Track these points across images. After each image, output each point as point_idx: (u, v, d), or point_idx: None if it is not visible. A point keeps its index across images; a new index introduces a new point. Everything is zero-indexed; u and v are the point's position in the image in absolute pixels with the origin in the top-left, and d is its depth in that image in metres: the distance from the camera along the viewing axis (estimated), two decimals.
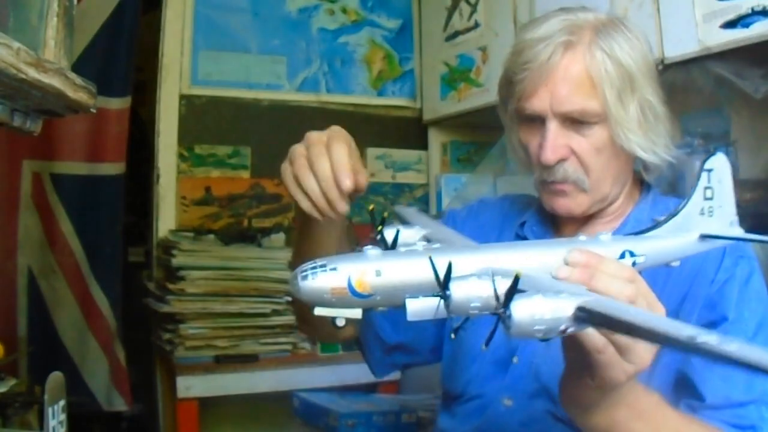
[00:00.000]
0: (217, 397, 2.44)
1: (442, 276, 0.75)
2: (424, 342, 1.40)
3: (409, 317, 0.76)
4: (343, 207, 1.05)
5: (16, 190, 2.56)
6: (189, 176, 2.81)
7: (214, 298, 2.43)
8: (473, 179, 2.70)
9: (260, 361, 2.45)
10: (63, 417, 1.19)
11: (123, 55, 2.67)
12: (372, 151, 3.03)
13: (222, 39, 2.87)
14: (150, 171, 2.83)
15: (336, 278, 0.75)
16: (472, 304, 0.73)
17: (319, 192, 1.06)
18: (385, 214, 0.98)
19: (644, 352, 0.82)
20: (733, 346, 0.59)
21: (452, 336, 0.77)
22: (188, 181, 2.80)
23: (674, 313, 1.17)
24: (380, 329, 1.38)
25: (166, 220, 2.75)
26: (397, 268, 0.77)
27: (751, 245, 1.17)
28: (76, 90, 1.08)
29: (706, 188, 0.98)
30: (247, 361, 2.43)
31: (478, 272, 0.77)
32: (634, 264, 0.90)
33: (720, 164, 0.98)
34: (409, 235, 0.95)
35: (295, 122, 2.96)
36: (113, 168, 2.69)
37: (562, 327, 0.70)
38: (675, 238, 0.96)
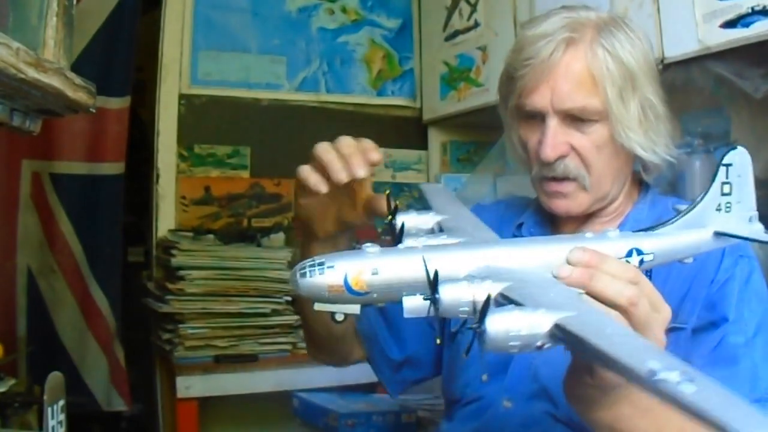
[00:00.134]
0: (216, 397, 2.44)
1: (440, 275, 0.75)
2: (428, 354, 1.39)
3: (405, 314, 0.77)
4: (364, 171, 1.04)
5: (15, 189, 2.56)
6: (188, 176, 2.81)
7: (214, 298, 2.42)
8: (473, 179, 2.70)
9: (260, 361, 2.44)
10: (62, 417, 1.19)
11: (122, 54, 2.67)
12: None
13: (222, 39, 2.87)
14: (149, 171, 2.82)
15: (333, 276, 0.77)
16: (461, 308, 0.73)
17: (336, 157, 1.05)
18: (397, 203, 0.99)
19: None
20: (690, 390, 0.56)
21: (437, 341, 0.76)
22: (188, 181, 2.80)
23: (674, 313, 1.16)
24: (386, 347, 1.38)
25: (166, 219, 2.75)
26: (394, 266, 0.78)
27: (751, 244, 1.16)
28: (75, 90, 1.08)
29: (724, 183, 0.95)
30: (247, 361, 2.43)
31: (473, 273, 0.77)
32: (642, 262, 0.88)
33: (740, 159, 0.95)
34: (423, 221, 0.96)
35: (295, 122, 2.96)
36: (113, 168, 2.69)
37: (538, 343, 0.69)
38: (687, 235, 0.94)
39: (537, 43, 1.18)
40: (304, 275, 0.78)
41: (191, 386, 2.34)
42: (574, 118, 1.18)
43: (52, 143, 2.59)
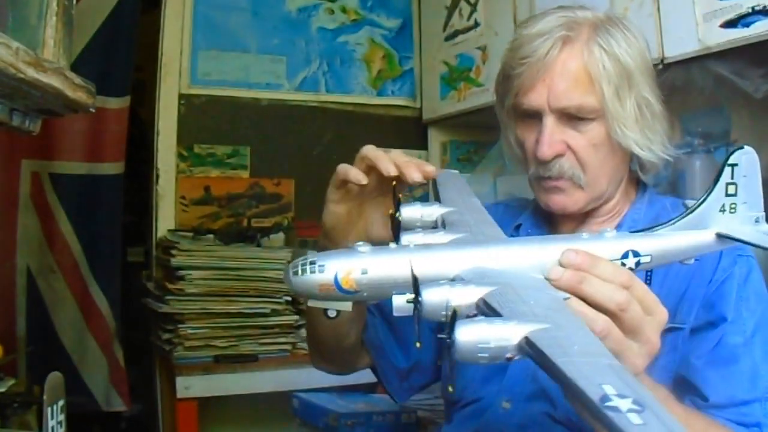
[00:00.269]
0: (216, 397, 2.43)
1: (429, 275, 0.76)
2: (432, 358, 1.38)
3: (395, 312, 0.78)
4: (419, 176, 1.03)
5: (15, 189, 2.56)
6: (188, 176, 2.81)
7: (214, 298, 2.42)
8: (473, 179, 2.70)
9: (260, 361, 2.44)
10: (62, 417, 1.19)
11: (122, 54, 2.67)
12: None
13: (221, 38, 2.87)
14: (149, 171, 2.82)
15: (324, 276, 0.79)
16: (442, 312, 0.74)
17: (386, 156, 1.04)
18: (400, 196, 1.00)
19: (635, 357, 0.81)
20: (635, 421, 0.56)
21: (417, 345, 0.76)
22: (187, 181, 2.80)
23: (672, 313, 1.16)
24: (393, 357, 1.38)
25: (166, 219, 2.75)
26: (383, 266, 0.79)
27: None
28: (75, 89, 1.08)
29: (729, 184, 0.94)
30: (247, 361, 2.42)
31: (462, 275, 0.78)
32: (638, 264, 0.87)
33: (747, 159, 0.94)
34: (427, 213, 0.97)
35: (295, 122, 2.96)
36: (112, 168, 2.69)
37: (508, 354, 0.69)
38: (688, 236, 0.93)
39: (533, 41, 1.18)
40: (296, 273, 0.80)
41: (191, 386, 2.34)
42: (571, 117, 1.18)
43: (51, 143, 2.59)
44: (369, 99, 3.09)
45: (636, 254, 0.87)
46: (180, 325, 2.38)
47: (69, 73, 1.07)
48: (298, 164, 2.95)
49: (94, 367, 2.61)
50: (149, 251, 2.81)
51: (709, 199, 0.94)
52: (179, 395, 2.34)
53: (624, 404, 0.58)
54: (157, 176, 2.76)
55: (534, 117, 1.21)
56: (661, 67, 1.79)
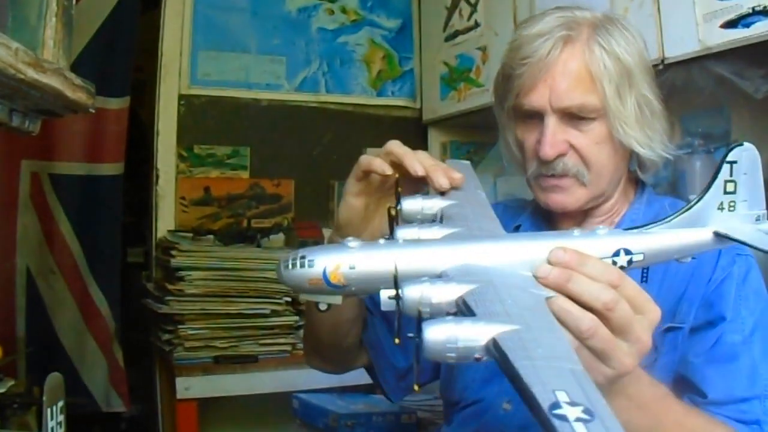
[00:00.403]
0: (216, 398, 2.43)
1: (416, 272, 0.77)
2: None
3: (382, 307, 0.78)
4: (445, 182, 1.02)
5: (14, 190, 2.56)
6: (188, 176, 2.81)
7: (214, 299, 2.42)
8: None
9: (259, 362, 2.44)
10: (62, 418, 1.19)
11: (122, 54, 2.67)
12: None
13: (221, 39, 2.87)
14: (149, 171, 2.82)
15: (313, 271, 0.80)
16: (423, 309, 0.74)
17: (413, 155, 1.04)
18: (399, 189, 1.00)
19: (624, 357, 0.80)
20: (579, 430, 0.56)
21: (396, 341, 0.76)
22: (187, 182, 2.80)
23: (671, 312, 1.17)
24: (392, 356, 1.37)
25: (165, 220, 2.75)
26: (370, 262, 0.80)
27: None
28: (74, 90, 1.07)
29: (727, 181, 0.92)
30: (247, 361, 2.42)
31: (448, 271, 0.78)
32: (630, 262, 0.86)
33: (746, 156, 0.92)
34: (428, 206, 0.97)
35: (295, 122, 2.96)
36: (112, 168, 2.69)
37: (476, 355, 0.69)
38: (684, 234, 0.91)
39: (534, 41, 1.18)
40: (287, 268, 0.82)
41: (191, 387, 2.34)
42: (572, 116, 1.18)
43: (51, 143, 2.59)
44: (369, 99, 3.09)
45: (628, 252, 0.86)
46: (180, 326, 2.38)
47: (69, 73, 1.06)
48: (298, 165, 2.95)
49: (93, 368, 2.61)
50: (149, 252, 2.81)
51: (706, 196, 0.92)
52: (179, 396, 2.33)
53: (573, 413, 0.58)
54: (157, 177, 2.76)
55: (534, 117, 1.21)
56: (661, 67, 1.79)
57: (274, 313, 2.47)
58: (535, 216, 1.35)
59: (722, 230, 0.92)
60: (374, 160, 1.06)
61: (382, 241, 0.84)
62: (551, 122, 1.18)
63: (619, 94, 1.17)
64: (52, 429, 1.16)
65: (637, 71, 1.19)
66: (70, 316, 2.60)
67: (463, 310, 0.73)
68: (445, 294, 0.75)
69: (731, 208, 0.92)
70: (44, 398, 1.15)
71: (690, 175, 1.90)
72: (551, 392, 0.60)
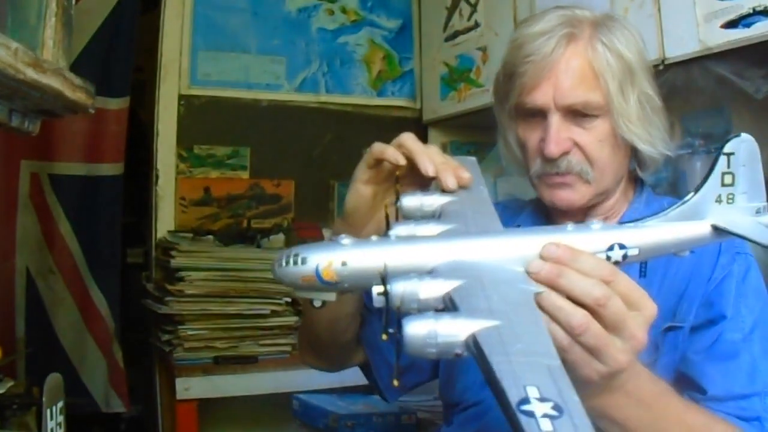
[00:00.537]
0: (216, 399, 2.43)
1: (408, 267, 0.78)
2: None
3: (375, 303, 0.78)
4: (453, 182, 1.00)
5: (14, 190, 2.56)
6: (188, 177, 2.80)
7: (213, 300, 2.42)
8: None
9: (259, 363, 2.44)
10: (61, 418, 1.19)
11: (122, 55, 2.67)
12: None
13: (221, 39, 2.87)
14: (149, 171, 2.82)
15: (306, 268, 0.81)
16: (411, 305, 0.75)
17: (426, 152, 1.02)
18: (398, 187, 1.01)
19: (618, 353, 0.80)
20: (545, 428, 0.56)
21: (383, 337, 0.76)
22: (187, 182, 2.80)
23: (671, 312, 1.17)
24: (388, 355, 1.37)
25: (165, 220, 2.75)
26: (362, 259, 0.81)
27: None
28: (74, 90, 1.07)
29: (725, 174, 0.90)
30: (247, 362, 2.42)
31: (438, 267, 0.79)
32: (625, 257, 0.85)
33: (744, 147, 0.89)
34: (428, 202, 0.97)
35: (295, 123, 2.96)
36: (112, 168, 2.69)
37: (457, 350, 0.69)
38: (680, 228, 0.89)
39: (537, 39, 1.18)
40: (281, 265, 0.82)
41: (190, 387, 2.33)
42: (576, 114, 1.18)
43: (50, 144, 2.59)
44: (369, 100, 3.09)
45: (622, 247, 0.84)
46: (179, 327, 2.38)
47: (68, 73, 1.06)
48: (298, 165, 2.94)
49: (93, 369, 2.61)
50: (149, 252, 2.80)
51: (703, 189, 0.90)
52: (179, 396, 2.33)
53: (541, 408, 0.58)
54: (157, 177, 2.75)
55: (537, 116, 1.21)
56: (661, 67, 1.79)
57: (274, 314, 2.47)
58: (535, 216, 1.35)
59: (720, 223, 0.89)
60: (388, 149, 1.05)
61: (374, 238, 0.84)
62: (555, 120, 1.18)
63: (622, 91, 1.17)
64: (52, 429, 1.16)
65: (638, 68, 1.20)
66: (70, 316, 2.60)
67: (449, 306, 0.73)
68: (432, 290, 0.75)
69: (730, 201, 0.90)
70: (44, 399, 1.15)
71: (690, 176, 1.90)
72: (522, 387, 0.60)
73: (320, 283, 0.81)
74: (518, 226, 1.34)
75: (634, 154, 1.25)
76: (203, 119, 2.84)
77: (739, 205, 0.90)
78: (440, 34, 2.87)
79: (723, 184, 0.90)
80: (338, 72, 3.05)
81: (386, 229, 0.91)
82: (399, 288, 0.75)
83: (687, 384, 1.12)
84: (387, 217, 0.98)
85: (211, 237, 2.61)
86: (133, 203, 2.99)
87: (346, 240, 0.82)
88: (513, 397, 0.59)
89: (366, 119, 3.05)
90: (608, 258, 0.84)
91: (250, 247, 2.59)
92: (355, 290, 0.86)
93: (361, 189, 1.09)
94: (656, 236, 0.87)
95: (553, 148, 1.18)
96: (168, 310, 2.39)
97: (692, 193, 0.91)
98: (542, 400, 0.59)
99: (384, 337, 0.75)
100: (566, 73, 1.17)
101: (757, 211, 0.91)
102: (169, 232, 2.69)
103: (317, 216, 2.90)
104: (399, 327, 0.70)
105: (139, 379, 2.88)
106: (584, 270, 0.79)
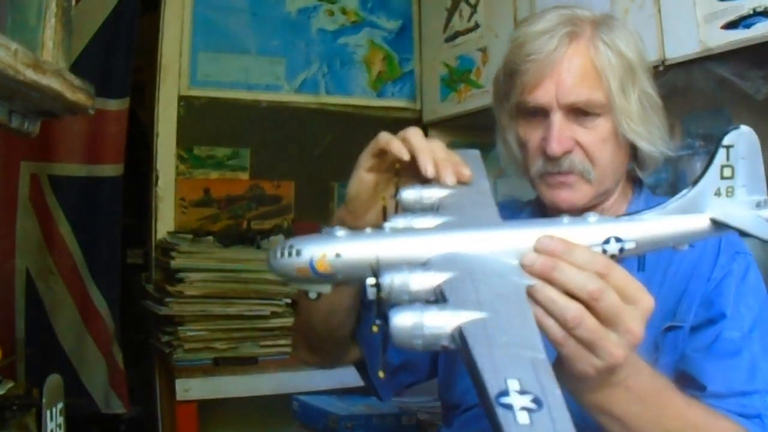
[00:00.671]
0: (216, 400, 2.43)
1: (401, 259, 0.78)
2: (424, 358, 1.37)
3: (369, 296, 0.78)
4: (452, 179, 0.99)
5: (14, 191, 2.56)
6: (188, 178, 2.80)
7: (213, 301, 2.42)
8: None
9: (259, 364, 2.44)
10: (61, 420, 1.19)
11: (121, 56, 2.66)
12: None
13: (221, 40, 2.87)
14: (149, 172, 2.82)
15: (300, 260, 0.82)
16: (402, 297, 0.75)
17: (430, 149, 1.02)
18: (398, 180, 1.01)
19: (614, 347, 0.79)
20: (522, 420, 0.56)
21: (374, 329, 0.76)
22: (187, 183, 2.80)
23: (672, 312, 1.17)
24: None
25: (165, 221, 2.75)
26: (356, 250, 0.81)
27: (747, 241, 1.15)
28: (74, 91, 1.07)
29: (724, 166, 0.88)
30: (247, 363, 2.42)
31: (433, 259, 0.78)
32: (622, 250, 0.84)
33: (744, 140, 0.88)
34: (427, 194, 0.97)
35: (295, 124, 2.96)
36: (112, 169, 2.68)
37: (443, 343, 0.69)
38: (678, 221, 0.88)
39: (538, 38, 1.18)
40: (276, 257, 0.83)
41: (190, 389, 2.33)
42: (578, 113, 1.18)
43: (50, 145, 2.59)
44: (369, 101, 3.09)
45: (619, 240, 0.84)
46: (179, 328, 2.38)
47: (68, 74, 1.06)
48: (297, 166, 2.94)
49: (93, 370, 2.61)
50: (149, 253, 2.80)
51: (702, 182, 0.88)
52: (179, 398, 2.33)
53: (520, 401, 0.58)
54: (157, 178, 2.75)
55: (539, 115, 1.21)
56: (661, 68, 1.79)
57: (274, 315, 2.47)
58: (534, 216, 1.35)
59: (719, 217, 0.88)
60: (394, 141, 1.05)
61: (369, 230, 0.84)
62: (557, 118, 1.18)
63: (624, 90, 1.18)
64: (52, 430, 1.16)
65: (638, 67, 1.20)
66: (70, 317, 2.60)
67: (439, 298, 0.73)
68: (424, 282, 0.75)
69: (729, 194, 0.89)
70: (44, 400, 1.15)
71: (690, 177, 1.90)
72: (502, 380, 0.60)
73: (314, 275, 0.82)
74: None
75: (633, 153, 1.25)
76: (203, 120, 2.84)
77: (739, 198, 0.89)
78: (440, 34, 2.87)
79: (722, 177, 0.89)
80: (338, 73, 3.05)
81: (383, 221, 0.91)
82: (390, 280, 0.75)
83: (686, 381, 1.11)
84: (384, 209, 0.97)
85: (211, 238, 2.61)
86: (133, 204, 2.98)
87: (340, 232, 0.82)
88: (492, 389, 0.59)
89: (366, 120, 3.05)
90: (604, 251, 0.83)
91: (250, 248, 2.59)
92: (350, 282, 0.86)
93: (363, 176, 1.09)
94: (654, 229, 0.86)
95: (555, 147, 1.17)
96: (168, 311, 2.39)
97: (691, 186, 0.89)
98: (522, 393, 0.59)
99: (374, 328, 0.75)
100: (569, 71, 1.17)
101: (758, 205, 0.90)
102: (169, 233, 2.69)
103: (317, 217, 2.90)
104: (385, 318, 0.71)
105: (139, 380, 2.87)
106: (578, 263, 0.78)
